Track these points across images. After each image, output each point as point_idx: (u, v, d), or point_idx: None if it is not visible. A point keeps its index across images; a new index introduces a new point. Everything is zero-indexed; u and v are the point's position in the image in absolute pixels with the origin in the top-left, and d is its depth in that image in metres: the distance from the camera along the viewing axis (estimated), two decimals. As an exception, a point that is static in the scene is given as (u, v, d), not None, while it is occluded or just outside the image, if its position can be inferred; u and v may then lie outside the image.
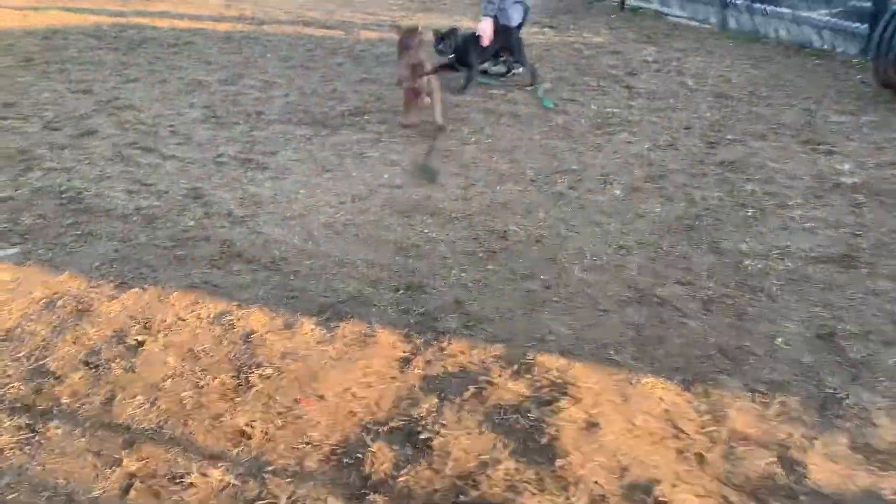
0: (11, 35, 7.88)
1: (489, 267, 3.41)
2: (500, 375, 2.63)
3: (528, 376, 2.63)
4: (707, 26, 8.83)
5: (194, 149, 4.76)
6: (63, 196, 4.00)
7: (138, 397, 2.51)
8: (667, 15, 9.49)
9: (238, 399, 2.51)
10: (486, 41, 5.87)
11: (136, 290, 3.13)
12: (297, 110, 5.58)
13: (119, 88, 6.04)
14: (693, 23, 9.04)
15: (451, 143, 4.94)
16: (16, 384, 2.55)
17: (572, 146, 4.89)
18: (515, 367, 2.68)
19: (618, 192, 4.21)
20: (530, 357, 2.73)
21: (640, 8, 9.90)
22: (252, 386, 2.56)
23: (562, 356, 2.74)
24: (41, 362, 2.66)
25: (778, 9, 7.98)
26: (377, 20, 9.01)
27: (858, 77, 6.67)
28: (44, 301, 3.04)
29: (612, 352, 2.79)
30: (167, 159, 4.57)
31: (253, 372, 2.63)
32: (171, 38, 7.90)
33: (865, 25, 7.23)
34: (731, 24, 8.55)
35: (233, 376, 2.62)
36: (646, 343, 2.84)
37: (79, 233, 3.61)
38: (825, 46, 7.54)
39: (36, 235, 3.58)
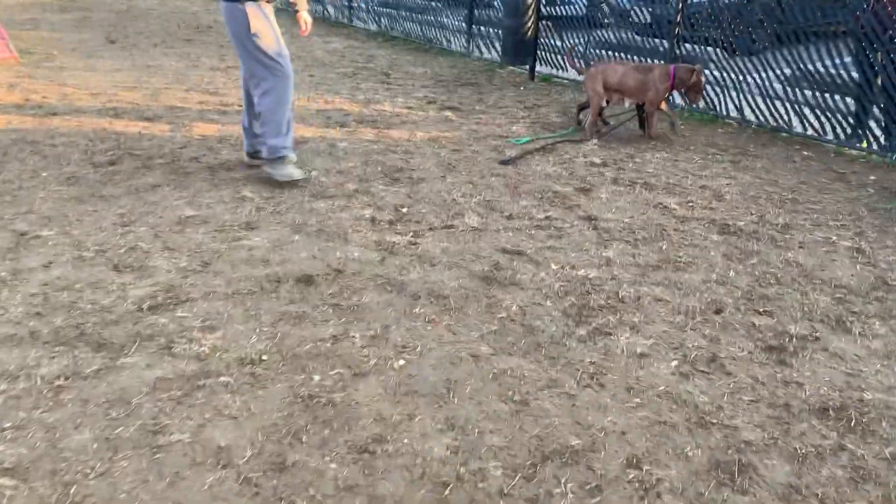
0: None
1: None
2: None
3: None
4: (643, 102, 7.09)
5: None
6: None
7: None
8: (588, 86, 7.70)
9: None
10: None
11: None
12: (57, 305, 3.17)
13: None
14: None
15: (311, 388, 2.71)
16: None
17: (552, 375, 2.76)
18: None
19: (681, 524, 2.10)
20: None
21: (554, 77, 8.10)
22: None
23: None
24: None
25: (741, 77, 6.32)
26: (221, 103, 6.66)
27: (873, 178, 5.01)
28: None
29: None
30: None
31: None
32: None
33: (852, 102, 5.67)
34: (677, 99, 6.85)
35: None
36: None
37: None
38: (808, 131, 5.91)
39: None
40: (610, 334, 3.02)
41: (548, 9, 8.18)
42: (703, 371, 2.78)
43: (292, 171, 4.65)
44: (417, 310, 3.19)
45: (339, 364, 2.81)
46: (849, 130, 5.66)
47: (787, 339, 3.00)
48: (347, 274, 3.51)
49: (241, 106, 6.58)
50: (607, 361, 2.83)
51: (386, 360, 2.83)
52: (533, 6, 8.05)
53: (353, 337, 2.99)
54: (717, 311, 3.21)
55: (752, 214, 4.30)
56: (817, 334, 3.04)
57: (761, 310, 3.23)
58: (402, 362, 2.83)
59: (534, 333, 3.02)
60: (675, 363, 2.83)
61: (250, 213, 4.20)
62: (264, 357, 2.85)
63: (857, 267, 3.66)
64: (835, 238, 4.00)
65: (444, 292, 3.34)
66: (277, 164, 4.62)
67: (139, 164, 4.98)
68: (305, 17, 4.64)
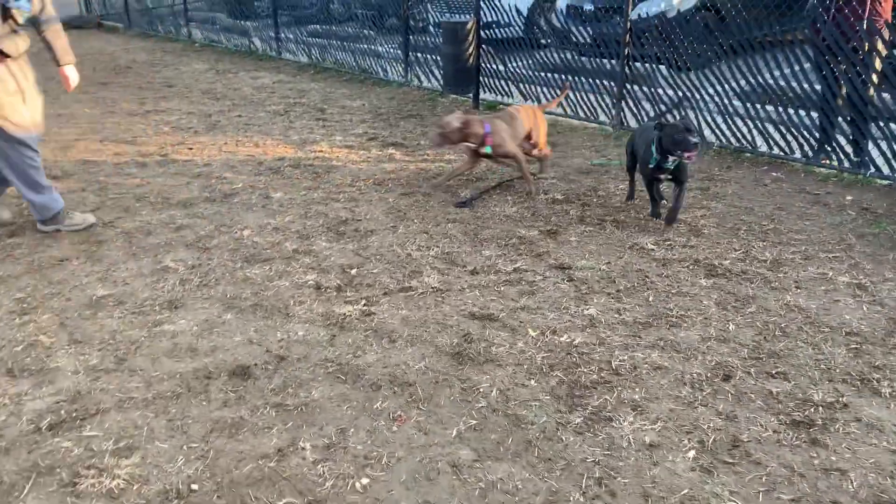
0: None
1: None
2: None
3: None
4: (594, 125, 6.75)
5: None
6: None
7: None
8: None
9: None
10: None
11: None
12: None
13: None
14: (575, 121, 6.93)
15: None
16: None
17: (551, 485, 2.26)
18: None
19: None
20: None
21: (500, 104, 7.69)
22: None
23: None
24: None
25: (697, 96, 6.01)
26: (140, 154, 6.02)
27: (850, 198, 4.72)
28: None
29: None
30: None
31: None
32: None
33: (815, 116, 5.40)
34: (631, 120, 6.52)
35: None
36: None
37: None
38: (774, 150, 5.62)
39: None
40: (610, 419, 2.55)
41: (486, 33, 7.81)
42: (726, 462, 2.33)
43: (85, 217, 4.39)
44: (379, 404, 2.67)
45: (287, 490, 2.27)
46: (815, 147, 5.39)
47: (812, 409, 2.58)
48: (291, 360, 2.96)
49: (162, 156, 5.98)
50: (613, 459, 2.36)
51: (346, 480, 2.30)
52: (473, 31, 7.67)
53: (303, 449, 2.45)
54: (726, 378, 2.78)
55: (736, 251, 3.92)
56: (844, 399, 2.63)
57: (774, 372, 2.81)
58: (365, 481, 2.30)
59: (521, 426, 2.53)
60: (692, 453, 2.38)
61: (174, 288, 3.62)
62: (194, 486, 2.29)
63: (864, 308, 3.29)
64: (830, 273, 3.64)
65: (408, 378, 2.82)
66: (58, 220, 4.29)
67: (44, 234, 4.33)
68: (67, 73, 4.11)
